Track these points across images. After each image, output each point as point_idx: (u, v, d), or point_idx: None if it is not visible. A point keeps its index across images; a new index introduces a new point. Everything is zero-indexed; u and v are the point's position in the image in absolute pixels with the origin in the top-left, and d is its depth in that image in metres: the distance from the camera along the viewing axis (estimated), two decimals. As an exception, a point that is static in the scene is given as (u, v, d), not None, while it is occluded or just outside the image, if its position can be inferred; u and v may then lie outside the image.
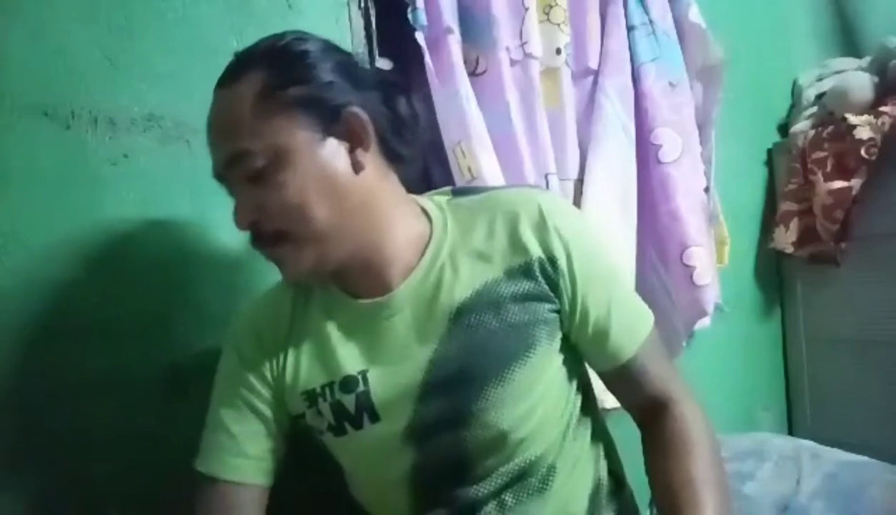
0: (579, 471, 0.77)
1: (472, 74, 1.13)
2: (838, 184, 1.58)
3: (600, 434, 0.82)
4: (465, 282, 0.72)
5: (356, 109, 0.68)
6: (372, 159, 0.70)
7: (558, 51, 1.21)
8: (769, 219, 1.81)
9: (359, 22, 1.08)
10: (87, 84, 0.85)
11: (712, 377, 1.57)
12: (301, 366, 0.75)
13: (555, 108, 1.22)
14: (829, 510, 0.97)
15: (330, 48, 0.72)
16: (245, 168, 0.66)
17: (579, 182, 1.26)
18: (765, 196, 1.85)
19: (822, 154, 1.64)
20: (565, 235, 0.72)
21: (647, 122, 1.32)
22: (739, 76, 1.61)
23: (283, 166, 0.65)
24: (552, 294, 0.73)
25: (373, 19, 1.08)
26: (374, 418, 0.72)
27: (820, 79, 1.82)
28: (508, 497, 0.72)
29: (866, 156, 1.53)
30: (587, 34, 1.29)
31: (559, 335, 0.75)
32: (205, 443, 0.75)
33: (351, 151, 0.69)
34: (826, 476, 1.04)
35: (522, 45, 1.17)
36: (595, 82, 1.30)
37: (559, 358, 0.75)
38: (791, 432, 1.84)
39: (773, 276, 1.85)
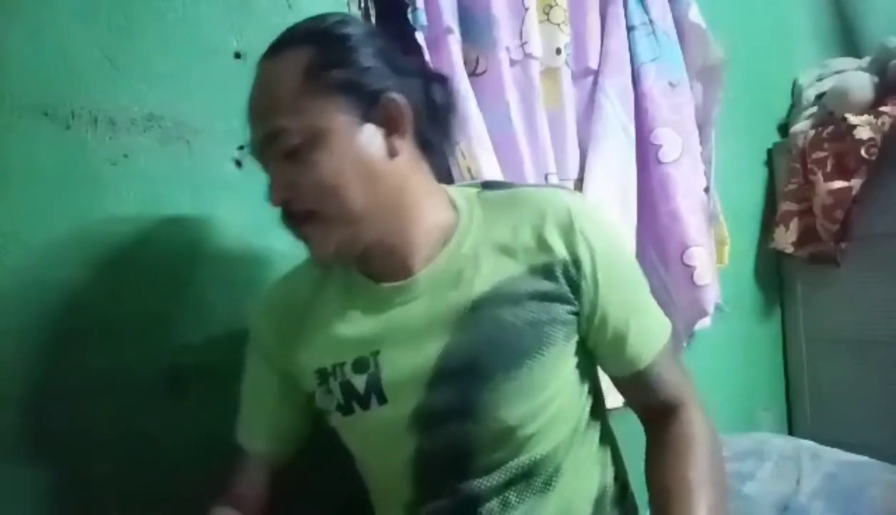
0: (585, 474, 0.77)
1: (472, 74, 1.13)
2: (838, 184, 1.58)
3: (608, 440, 0.82)
4: (486, 275, 0.72)
5: (395, 95, 0.69)
6: (406, 146, 0.71)
7: (558, 51, 1.21)
8: (769, 219, 1.80)
9: (359, 22, 1.08)
10: (87, 84, 0.85)
11: (712, 377, 1.56)
12: (316, 344, 0.76)
13: (555, 108, 1.22)
14: (829, 510, 0.97)
15: (371, 33, 0.73)
16: (281, 145, 0.67)
17: (579, 182, 1.25)
18: (765, 196, 1.84)
19: (822, 154, 1.64)
20: (591, 239, 0.72)
21: (647, 122, 1.32)
22: (739, 76, 1.61)
23: (320, 147, 0.66)
24: (572, 296, 0.72)
25: (373, 19, 1.08)
26: (382, 399, 0.72)
27: (820, 79, 1.82)
28: (512, 496, 0.72)
29: (866, 156, 1.53)
30: (587, 34, 1.29)
31: (576, 337, 0.75)
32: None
33: (387, 137, 0.69)
34: (826, 476, 1.04)
35: (522, 45, 1.17)
36: (595, 82, 1.30)
37: (574, 360, 0.75)
38: (791, 432, 1.83)
39: (773, 276, 1.85)
